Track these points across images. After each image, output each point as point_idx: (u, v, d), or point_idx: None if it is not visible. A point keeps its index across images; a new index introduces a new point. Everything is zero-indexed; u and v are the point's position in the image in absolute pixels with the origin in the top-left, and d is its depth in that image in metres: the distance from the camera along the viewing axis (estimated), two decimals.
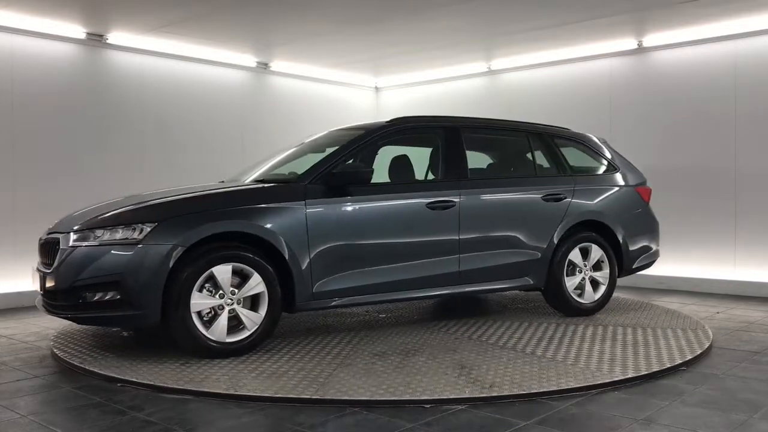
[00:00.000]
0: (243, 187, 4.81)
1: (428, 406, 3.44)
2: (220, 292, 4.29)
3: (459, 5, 6.32)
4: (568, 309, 5.71)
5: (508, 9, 6.49)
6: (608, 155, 6.22)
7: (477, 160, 5.89)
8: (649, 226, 6.14)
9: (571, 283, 5.68)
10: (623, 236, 5.90)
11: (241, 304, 4.37)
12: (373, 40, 7.72)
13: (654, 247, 6.20)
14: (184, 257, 4.19)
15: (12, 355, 4.66)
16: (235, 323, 4.35)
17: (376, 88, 10.33)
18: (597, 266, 5.81)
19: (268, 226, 4.46)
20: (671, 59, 7.61)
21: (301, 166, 5.12)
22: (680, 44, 7.47)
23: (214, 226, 4.31)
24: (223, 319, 4.29)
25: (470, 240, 5.24)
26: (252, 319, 4.39)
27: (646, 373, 3.95)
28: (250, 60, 8.59)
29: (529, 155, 6.01)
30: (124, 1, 6.18)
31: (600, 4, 6.37)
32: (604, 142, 6.38)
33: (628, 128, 7.81)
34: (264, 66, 8.83)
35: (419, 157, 5.62)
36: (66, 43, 7.13)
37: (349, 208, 4.80)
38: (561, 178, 5.87)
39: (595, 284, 5.81)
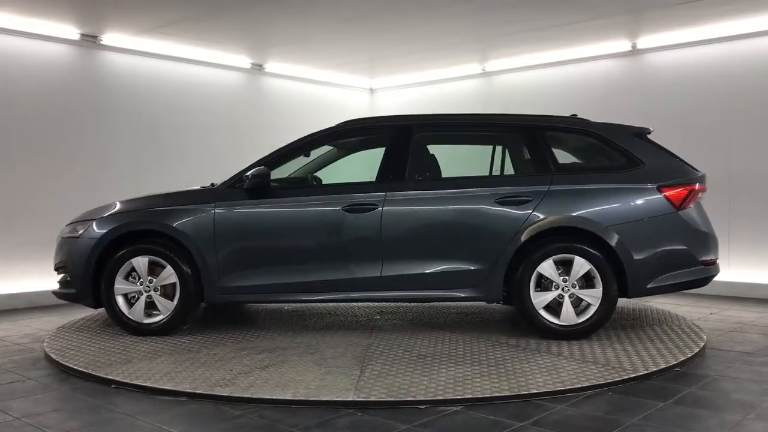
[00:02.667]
0: (168, 192, 5.52)
1: (423, 407, 3.44)
2: (140, 280, 5.05)
3: (454, 7, 6.33)
4: (540, 329, 4.87)
5: (502, 11, 6.50)
6: (628, 148, 5.12)
7: (431, 159, 5.46)
8: (679, 235, 4.90)
9: (539, 300, 4.81)
10: (627, 248, 4.79)
11: (158, 292, 5.06)
12: (369, 42, 7.72)
13: (693, 259, 4.91)
14: (113, 249, 5.08)
15: (5, 357, 4.65)
16: (152, 308, 5.09)
17: (371, 90, 10.33)
18: (590, 282, 4.84)
19: (177, 225, 5.05)
20: (665, 61, 7.63)
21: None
22: (674, 46, 7.49)
23: (132, 224, 5.13)
24: (140, 303, 5.08)
25: (394, 244, 4.95)
26: (165, 306, 5.06)
27: (640, 374, 3.96)
28: (244, 61, 8.58)
29: (491, 152, 5.64)
30: (119, 2, 6.17)
31: (594, 6, 6.39)
32: (635, 134, 5.22)
33: None
34: (259, 67, 8.82)
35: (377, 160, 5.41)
36: (60, 44, 7.11)
37: (257, 211, 5.11)
38: (528, 178, 5.14)
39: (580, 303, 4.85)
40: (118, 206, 5.34)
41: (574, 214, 4.86)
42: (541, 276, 4.83)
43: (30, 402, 3.63)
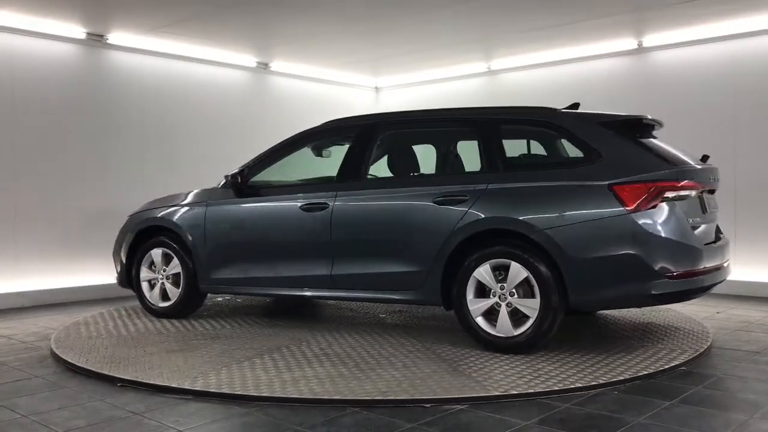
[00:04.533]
0: (180, 192, 6.06)
1: (428, 405, 3.44)
2: (157, 269, 5.84)
3: (459, 5, 6.32)
4: (477, 339, 4.52)
5: (507, 9, 6.49)
6: (587, 140, 4.52)
7: (406, 157, 5.42)
8: (632, 240, 4.15)
9: (476, 307, 4.46)
10: (567, 253, 4.23)
11: (169, 280, 5.77)
12: (373, 41, 7.72)
13: (649, 270, 4.12)
14: (142, 241, 5.91)
15: (12, 355, 4.66)
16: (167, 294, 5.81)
17: (376, 88, 10.33)
18: (531, 291, 4.33)
19: (178, 222, 5.68)
20: (671, 59, 7.61)
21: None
22: (679, 44, 7.47)
23: (149, 220, 5.88)
24: (156, 289, 5.85)
25: (343, 244, 4.97)
26: (172, 292, 5.76)
27: (645, 373, 3.95)
28: (250, 60, 8.59)
29: (445, 148, 5.44)
30: (125, 1, 6.18)
31: (600, 4, 6.37)
32: (600, 123, 4.59)
33: None
34: (264, 66, 8.83)
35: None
36: (66, 43, 7.13)
37: (234, 209, 5.54)
38: (468, 176, 4.85)
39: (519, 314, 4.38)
40: (151, 203, 6.12)
41: (508, 215, 4.42)
42: (480, 282, 4.47)
43: (36, 400, 3.64)
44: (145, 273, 5.88)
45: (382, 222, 4.86)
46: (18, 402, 3.60)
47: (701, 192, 4.60)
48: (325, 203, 5.04)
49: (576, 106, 5.11)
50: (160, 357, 4.39)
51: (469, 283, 4.48)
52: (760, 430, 3.09)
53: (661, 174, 4.28)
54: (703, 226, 4.56)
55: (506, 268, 4.38)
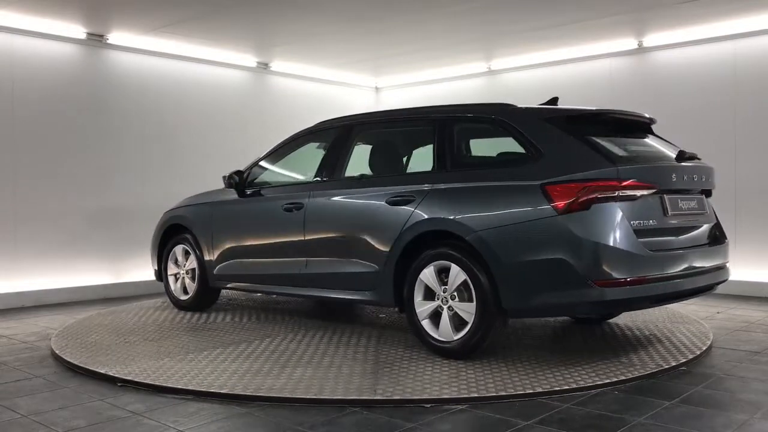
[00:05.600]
0: (205, 191, 6.29)
1: (429, 405, 3.44)
2: (179, 264, 6.21)
3: (459, 5, 6.32)
4: (422, 342, 4.43)
5: (508, 9, 6.49)
6: (531, 137, 4.26)
7: (364, 157, 5.39)
8: (562, 245, 3.90)
9: (421, 309, 4.37)
10: (499, 257, 4.04)
11: (189, 276, 6.10)
12: (374, 40, 7.72)
13: (577, 276, 3.86)
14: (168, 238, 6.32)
15: (12, 355, 4.66)
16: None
17: (377, 88, 10.33)
18: (469, 295, 4.18)
19: (192, 220, 6.05)
20: (671, 59, 7.60)
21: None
22: (680, 44, 7.47)
23: (172, 218, 6.26)
24: (178, 283, 6.24)
25: (314, 243, 5.06)
26: (190, 287, 6.11)
27: (646, 373, 3.95)
28: (250, 60, 8.59)
29: (407, 148, 5.36)
30: (125, 1, 6.18)
31: (600, 4, 6.37)
32: (546, 119, 4.34)
33: None
34: (264, 66, 8.83)
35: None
36: (66, 43, 7.13)
37: (233, 208, 5.82)
38: (420, 176, 4.68)
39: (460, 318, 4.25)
40: (183, 201, 6.41)
41: (447, 216, 4.30)
42: (426, 284, 4.37)
43: (36, 400, 3.64)
44: (171, 268, 6.27)
45: (343, 222, 4.93)
46: (18, 402, 3.60)
47: (663, 192, 4.17)
48: (301, 203, 5.17)
49: (554, 101, 4.92)
50: (160, 357, 4.39)
51: (417, 285, 4.39)
52: (760, 430, 3.09)
53: (596, 173, 3.95)
54: (672, 229, 4.24)
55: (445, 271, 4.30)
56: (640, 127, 4.76)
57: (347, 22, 6.91)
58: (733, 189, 7.12)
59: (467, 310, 4.17)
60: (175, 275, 6.25)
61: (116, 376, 3.96)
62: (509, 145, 4.45)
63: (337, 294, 4.99)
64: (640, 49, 7.76)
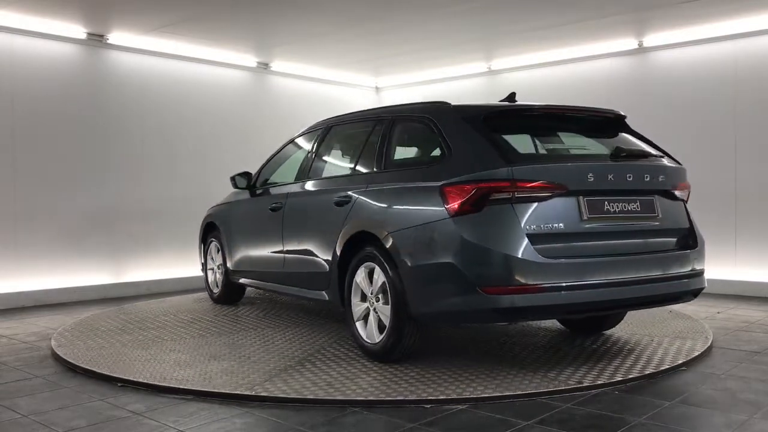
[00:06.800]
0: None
1: (429, 406, 3.44)
2: (214, 260, 6.60)
3: (459, 5, 6.32)
4: (356, 343, 4.44)
5: (508, 9, 6.49)
6: (446, 136, 4.10)
7: (338, 158, 5.46)
8: (452, 248, 3.75)
9: (356, 310, 4.38)
10: (403, 260, 3.96)
11: (220, 271, 6.48)
12: (374, 40, 7.72)
13: (467, 282, 3.69)
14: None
15: (13, 355, 4.67)
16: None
17: (377, 88, 10.33)
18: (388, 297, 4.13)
19: (218, 217, 6.47)
20: (671, 59, 7.60)
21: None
22: (680, 44, 7.47)
23: (207, 217, 6.72)
24: (211, 276, 6.68)
25: (288, 242, 5.24)
26: (216, 281, 6.59)
27: (646, 373, 3.95)
28: (250, 60, 8.59)
29: (359, 149, 5.11)
30: (125, 1, 6.18)
31: (600, 4, 6.37)
32: (463, 118, 4.13)
33: None
34: (264, 66, 8.83)
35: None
36: (66, 43, 7.13)
37: (239, 208, 6.19)
38: (360, 177, 4.68)
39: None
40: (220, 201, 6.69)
41: (368, 218, 4.32)
42: (357, 285, 4.37)
43: (37, 400, 3.64)
44: (209, 263, 6.69)
45: (305, 223, 5.06)
46: (18, 402, 3.60)
47: (581, 193, 3.83)
48: (281, 204, 5.36)
49: (512, 96, 4.74)
50: (161, 357, 4.39)
51: (354, 286, 4.38)
52: (760, 430, 3.09)
53: (488, 173, 3.73)
54: (592, 234, 3.88)
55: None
56: (583, 121, 4.49)
57: (347, 22, 6.91)
58: (733, 189, 7.12)
59: (385, 313, 4.13)
60: (212, 270, 6.64)
61: (116, 376, 3.96)
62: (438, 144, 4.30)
63: (303, 293, 5.11)
64: (640, 49, 7.76)
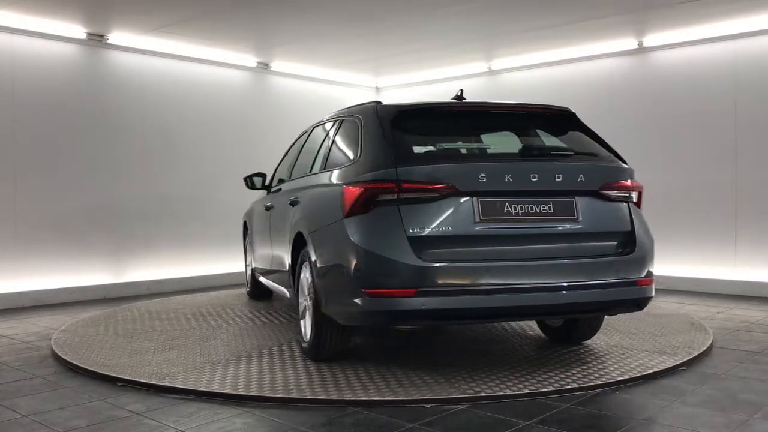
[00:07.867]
0: None
1: (429, 405, 3.44)
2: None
3: (459, 5, 6.32)
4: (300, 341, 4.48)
5: (508, 9, 6.50)
6: (362, 136, 4.06)
7: (308, 159, 5.35)
8: (344, 250, 3.74)
9: (300, 309, 4.43)
10: (315, 260, 4.02)
11: (249, 267, 6.89)
12: (374, 41, 7.72)
13: (354, 284, 3.65)
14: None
15: (13, 355, 4.67)
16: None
17: (377, 88, 10.33)
18: None
19: (247, 215, 6.82)
20: (671, 59, 7.60)
21: None
22: (680, 44, 7.47)
23: (244, 216, 7.09)
24: (248, 272, 6.98)
25: (273, 242, 5.44)
26: (247, 278, 7.00)
27: (646, 373, 3.95)
28: (250, 60, 8.59)
29: (318, 149, 5.02)
30: (125, 1, 6.18)
31: (600, 4, 6.37)
32: (380, 116, 4.02)
33: (628, 128, 7.80)
34: (264, 66, 8.83)
35: None
36: (67, 43, 7.13)
37: (254, 207, 6.48)
38: (309, 177, 4.72)
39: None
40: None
41: (302, 218, 4.36)
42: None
43: (37, 400, 3.64)
44: (247, 260, 6.97)
45: (279, 223, 5.15)
46: (18, 402, 3.60)
47: (475, 194, 3.68)
48: (272, 204, 5.57)
49: (460, 95, 4.52)
50: (161, 357, 4.39)
51: (299, 285, 4.43)
52: (760, 430, 3.09)
53: (378, 174, 3.68)
54: (489, 237, 3.70)
55: None
56: (520, 119, 4.36)
57: (347, 22, 6.91)
58: (733, 188, 7.12)
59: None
60: (248, 266, 6.96)
61: (116, 376, 3.96)
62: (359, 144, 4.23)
63: (282, 292, 5.20)
64: (640, 49, 7.76)
